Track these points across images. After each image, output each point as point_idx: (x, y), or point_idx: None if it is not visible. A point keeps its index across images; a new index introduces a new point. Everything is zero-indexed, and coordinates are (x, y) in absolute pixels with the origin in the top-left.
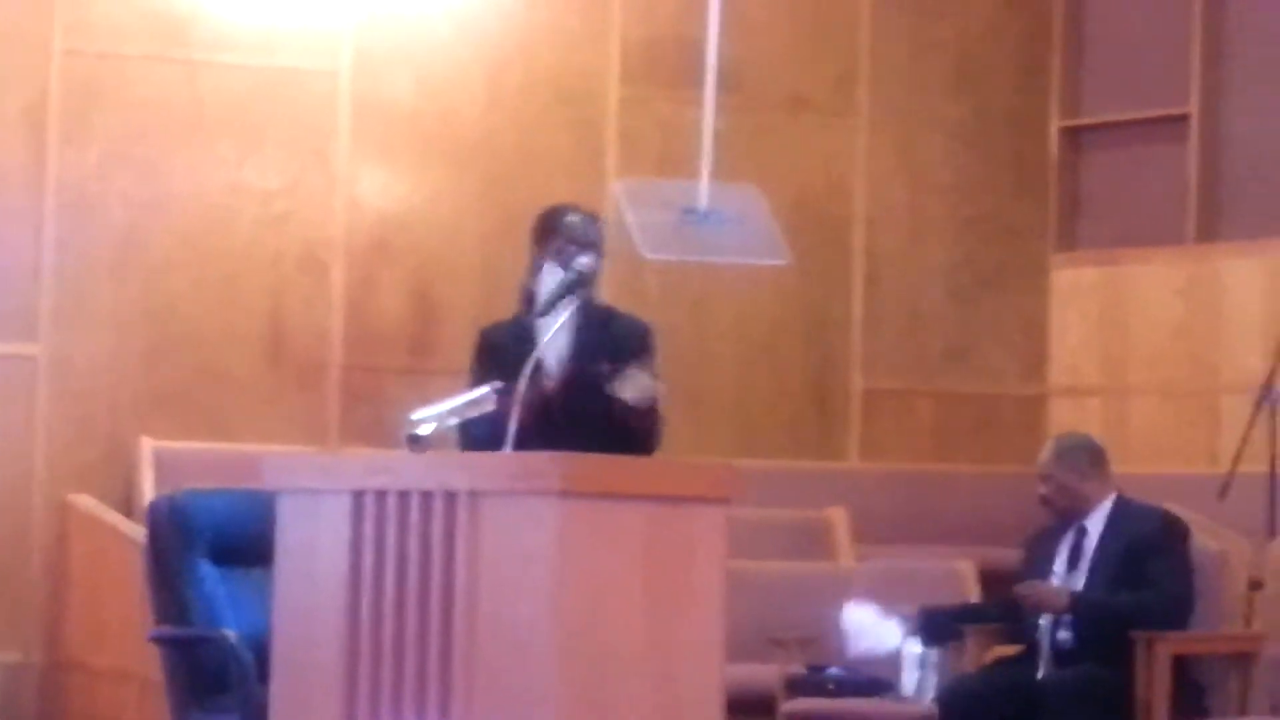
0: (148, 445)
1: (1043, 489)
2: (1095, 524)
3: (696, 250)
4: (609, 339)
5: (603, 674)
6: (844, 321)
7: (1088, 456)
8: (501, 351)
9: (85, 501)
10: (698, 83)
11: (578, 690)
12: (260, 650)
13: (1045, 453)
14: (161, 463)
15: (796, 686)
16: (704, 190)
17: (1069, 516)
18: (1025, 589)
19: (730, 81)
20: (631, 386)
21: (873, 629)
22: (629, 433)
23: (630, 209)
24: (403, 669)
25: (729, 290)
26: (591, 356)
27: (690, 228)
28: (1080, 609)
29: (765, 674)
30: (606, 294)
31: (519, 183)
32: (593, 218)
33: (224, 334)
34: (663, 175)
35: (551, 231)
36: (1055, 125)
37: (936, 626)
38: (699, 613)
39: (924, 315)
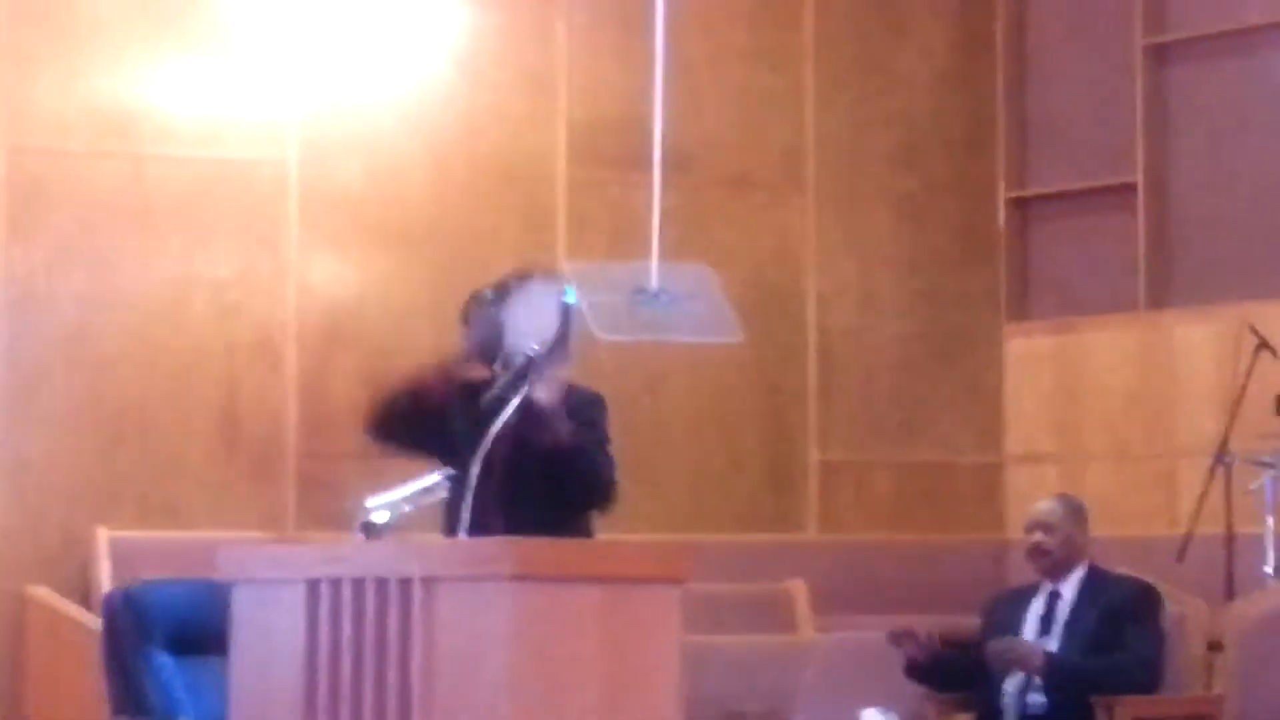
0: (104, 536)
1: (1044, 539)
2: (1069, 589)
3: (650, 330)
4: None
5: None
6: (799, 394)
7: (1086, 517)
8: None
9: (43, 593)
10: (645, 163)
11: None
12: None
13: (1051, 505)
14: (118, 553)
15: None
16: (655, 270)
17: (1056, 573)
18: (1002, 645)
19: (678, 161)
20: (542, 387)
21: None
22: (575, 479)
23: (582, 292)
24: None
25: (683, 365)
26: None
27: (643, 308)
28: (1055, 669)
29: None
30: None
31: (469, 266)
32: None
33: (179, 424)
34: (613, 255)
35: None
36: (1002, 196)
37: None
38: (655, 692)
39: (878, 387)
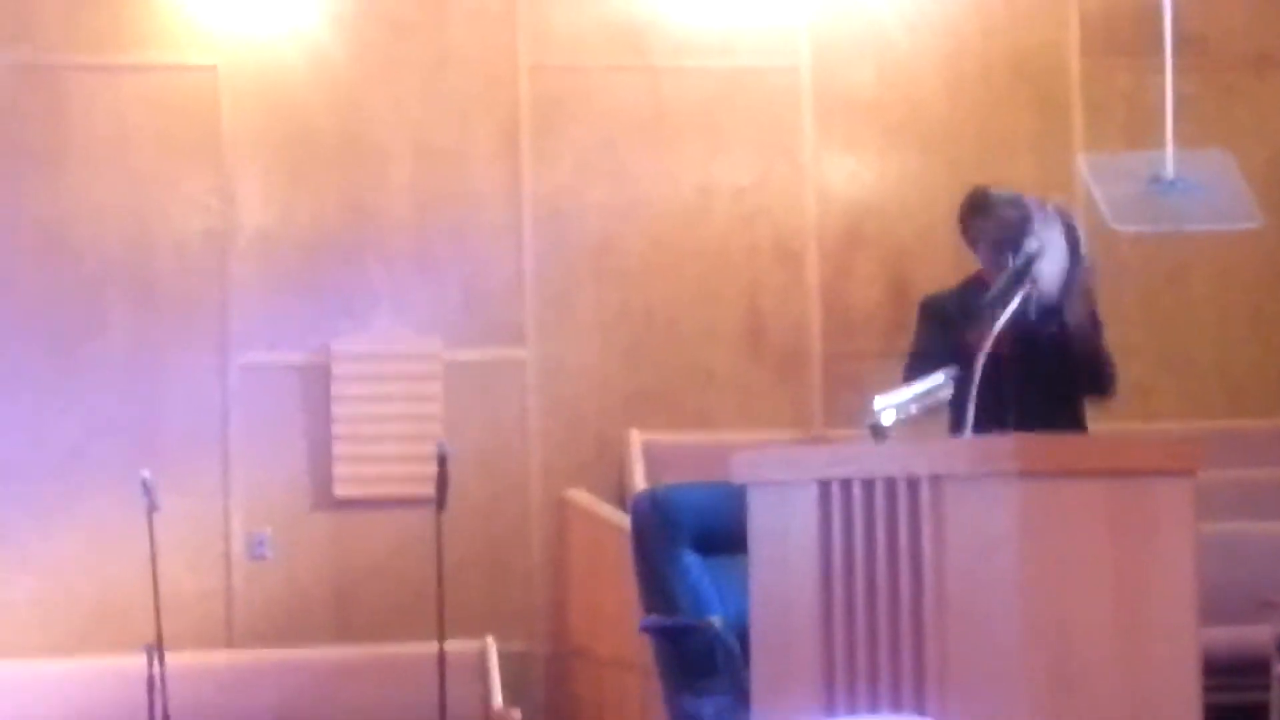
0: (636, 439)
1: None
2: None
3: (1166, 219)
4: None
5: (1071, 656)
6: None
7: None
8: (949, 324)
9: (581, 496)
10: (1159, 49)
11: (1047, 673)
12: (745, 634)
13: None
14: (651, 455)
15: None
16: (1170, 158)
17: None
18: None
19: (1192, 45)
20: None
21: None
22: (1084, 361)
23: (1097, 183)
24: (876, 656)
25: (1207, 254)
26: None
27: (1159, 197)
28: None
29: (1257, 636)
30: None
31: (984, 164)
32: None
33: (705, 329)
34: (1128, 145)
35: (983, 213)
36: None
37: None
38: (1168, 590)
39: None
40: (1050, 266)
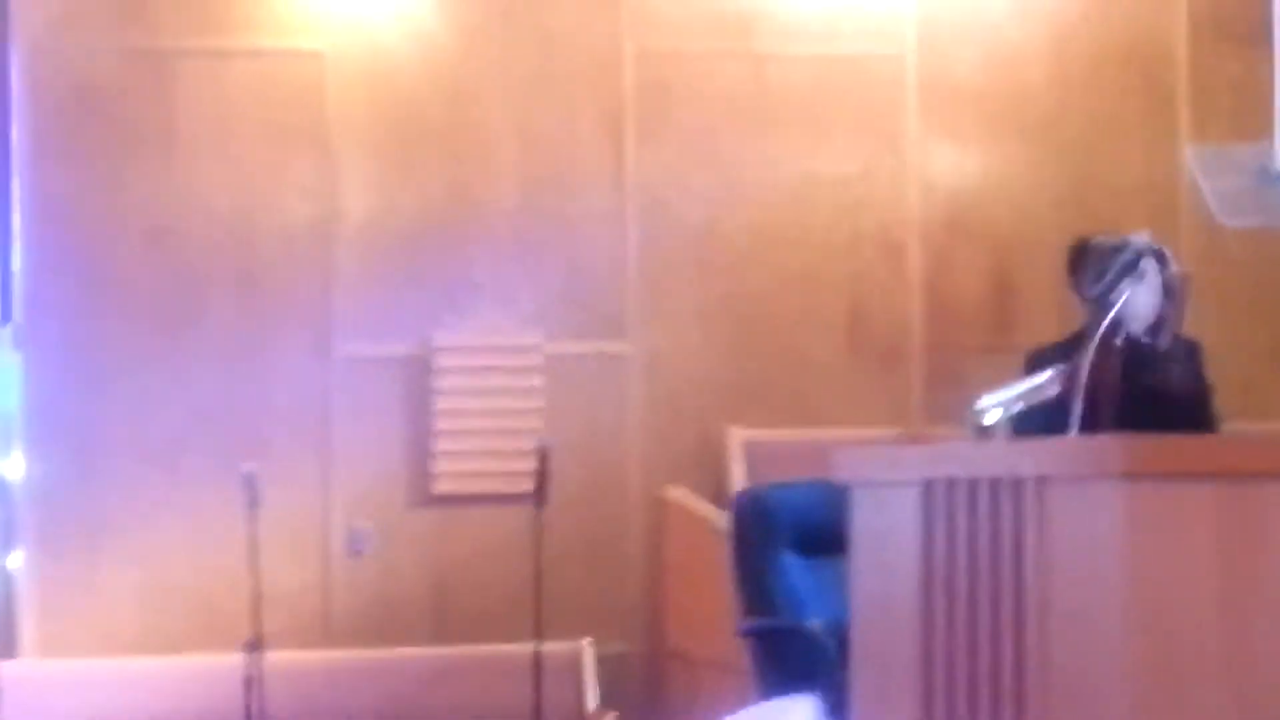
0: (737, 436)
1: None
2: None
3: (1275, 213)
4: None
5: (1176, 662)
6: None
7: None
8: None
9: (679, 494)
10: (1269, 38)
11: (1150, 685)
12: (844, 638)
13: None
14: (751, 453)
15: None
16: (1279, 150)
17: None
18: None
19: None
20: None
21: None
22: (1187, 426)
23: (1204, 176)
24: (977, 663)
25: None
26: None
27: (1267, 190)
28: None
29: None
30: (1189, 259)
31: (1091, 152)
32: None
33: (805, 321)
34: (1236, 136)
35: (1081, 267)
36: None
37: None
38: (1276, 596)
39: None
40: (1144, 299)
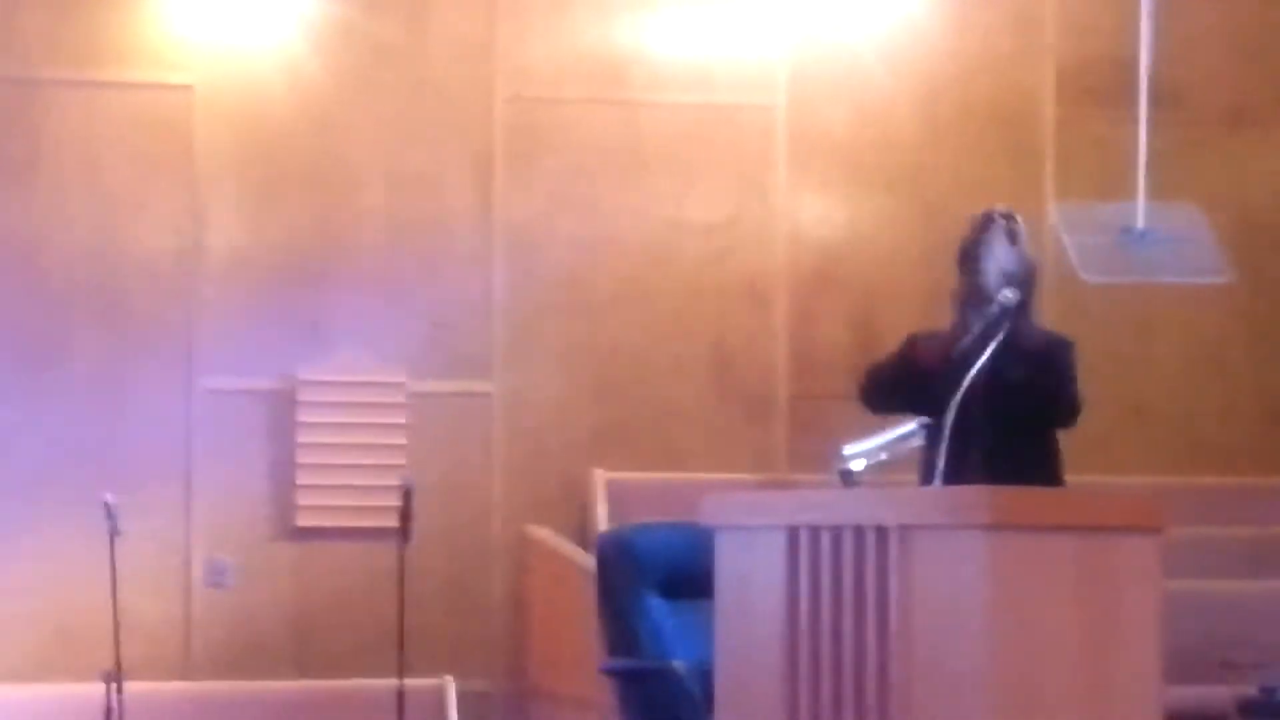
0: (600, 477)
1: None
2: None
3: (1136, 271)
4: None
5: (1037, 711)
6: None
7: None
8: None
9: (542, 533)
10: (1133, 101)
11: None
12: (709, 680)
13: None
14: (614, 494)
15: (1250, 709)
16: (1141, 210)
17: None
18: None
19: (1167, 98)
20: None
21: None
22: (1040, 393)
23: (1068, 232)
24: (841, 707)
25: (1173, 307)
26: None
27: (1129, 248)
28: None
29: (1216, 696)
30: (1050, 315)
31: (958, 208)
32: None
33: (672, 366)
34: (1100, 195)
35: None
36: None
37: None
38: (1134, 647)
39: None
40: (1000, 253)
